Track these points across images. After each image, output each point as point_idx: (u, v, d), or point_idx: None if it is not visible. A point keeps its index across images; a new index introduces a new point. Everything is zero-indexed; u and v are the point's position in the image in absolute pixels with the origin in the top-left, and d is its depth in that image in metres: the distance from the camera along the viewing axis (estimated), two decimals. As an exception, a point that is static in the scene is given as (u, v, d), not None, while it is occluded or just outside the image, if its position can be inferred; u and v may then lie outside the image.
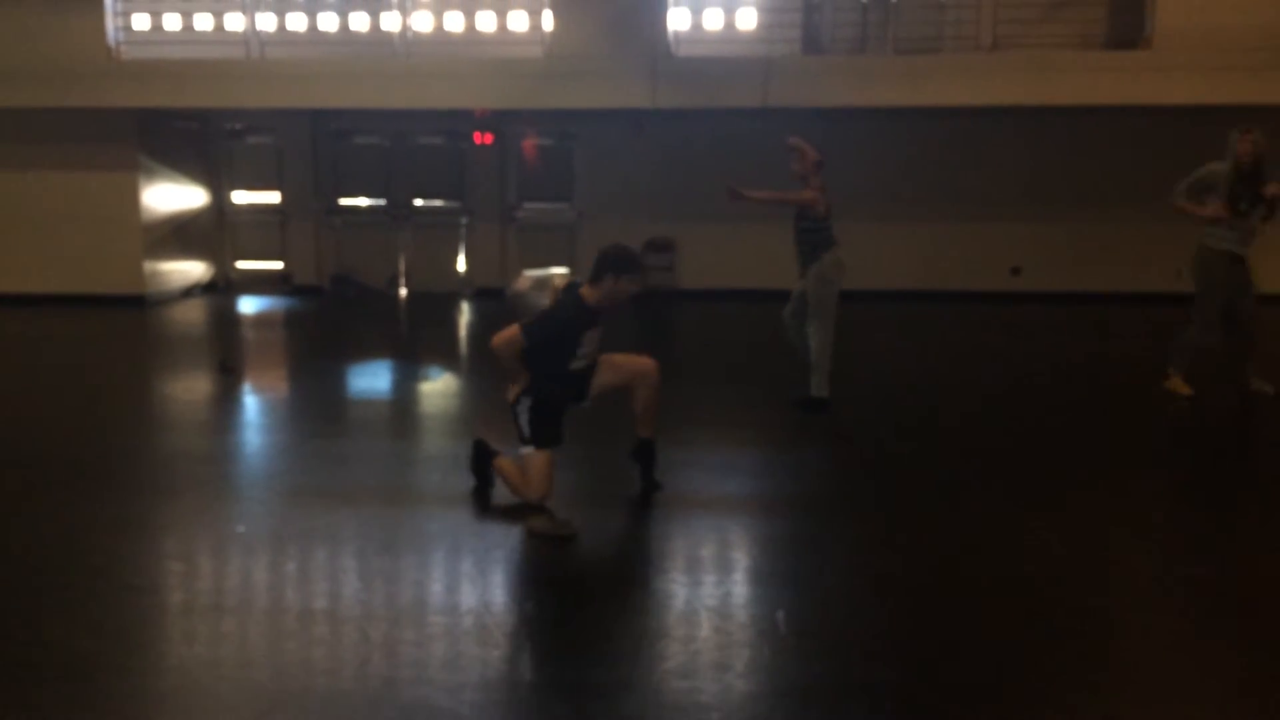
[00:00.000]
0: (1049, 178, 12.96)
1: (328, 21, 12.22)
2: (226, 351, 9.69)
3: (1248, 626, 3.93)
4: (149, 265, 12.77)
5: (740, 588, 4.33)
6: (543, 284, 14.23)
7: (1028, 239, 13.17)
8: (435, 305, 13.08)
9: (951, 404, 7.62)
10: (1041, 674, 3.51)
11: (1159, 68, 10.94)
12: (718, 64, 11.50)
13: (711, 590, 4.21)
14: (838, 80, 11.40)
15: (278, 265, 14.25)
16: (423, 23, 12.12)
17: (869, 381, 8.17)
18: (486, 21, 12.08)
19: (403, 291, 14.06)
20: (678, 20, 11.86)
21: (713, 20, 12.01)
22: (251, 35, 12.17)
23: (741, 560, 4.66)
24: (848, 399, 7.29)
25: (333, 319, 12.50)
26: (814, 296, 7.10)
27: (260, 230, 14.22)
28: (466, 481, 5.76)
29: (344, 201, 14.16)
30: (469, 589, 4.23)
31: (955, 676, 3.51)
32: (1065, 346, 10.22)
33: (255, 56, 12.14)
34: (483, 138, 13.72)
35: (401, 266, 14.10)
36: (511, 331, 4.88)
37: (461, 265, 14.05)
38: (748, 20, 11.98)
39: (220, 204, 14.21)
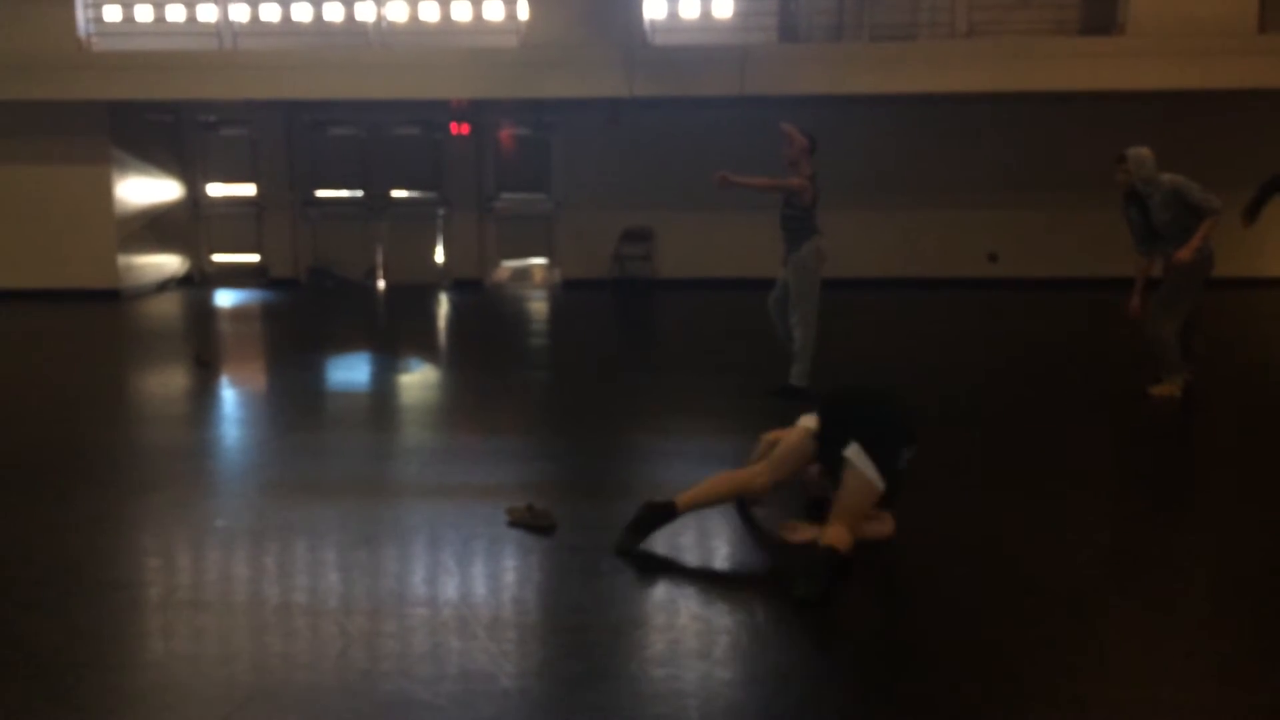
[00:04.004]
0: (1025, 164, 13.04)
1: (301, 12, 12.15)
2: (202, 345, 9.63)
3: (1224, 608, 3.97)
4: (123, 259, 12.68)
5: (719, 576, 4.35)
6: (521, 275, 14.21)
7: (1004, 225, 13.25)
8: (413, 297, 13.03)
9: (930, 391, 7.64)
10: (1019, 657, 3.54)
11: (1132, 54, 11.02)
12: (694, 52, 11.50)
13: (690, 578, 4.22)
14: (814, 68, 11.43)
15: (254, 258, 14.17)
16: (397, 13, 12.05)
17: (848, 369, 8.19)
18: (462, 11, 12.03)
19: (380, 283, 14.00)
20: (654, 9, 11.85)
21: (689, 9, 12.00)
22: (224, 26, 12.09)
23: (720, 548, 4.67)
24: (826, 386, 7.30)
25: (310, 311, 12.44)
26: (795, 285, 7.11)
27: (236, 223, 14.15)
28: (445, 473, 5.75)
29: (320, 193, 14.09)
30: (448, 581, 4.22)
31: (933, 661, 3.53)
32: (1043, 332, 10.28)
33: (228, 48, 12.06)
34: (459, 128, 13.68)
35: (379, 258, 14.05)
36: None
37: (439, 256, 14.01)
38: (724, 8, 11.98)
39: (195, 197, 14.12)
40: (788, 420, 6.76)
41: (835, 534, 4.13)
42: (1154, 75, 11.00)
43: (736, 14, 11.94)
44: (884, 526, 4.54)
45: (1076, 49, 11.26)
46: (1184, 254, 6.85)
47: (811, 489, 4.91)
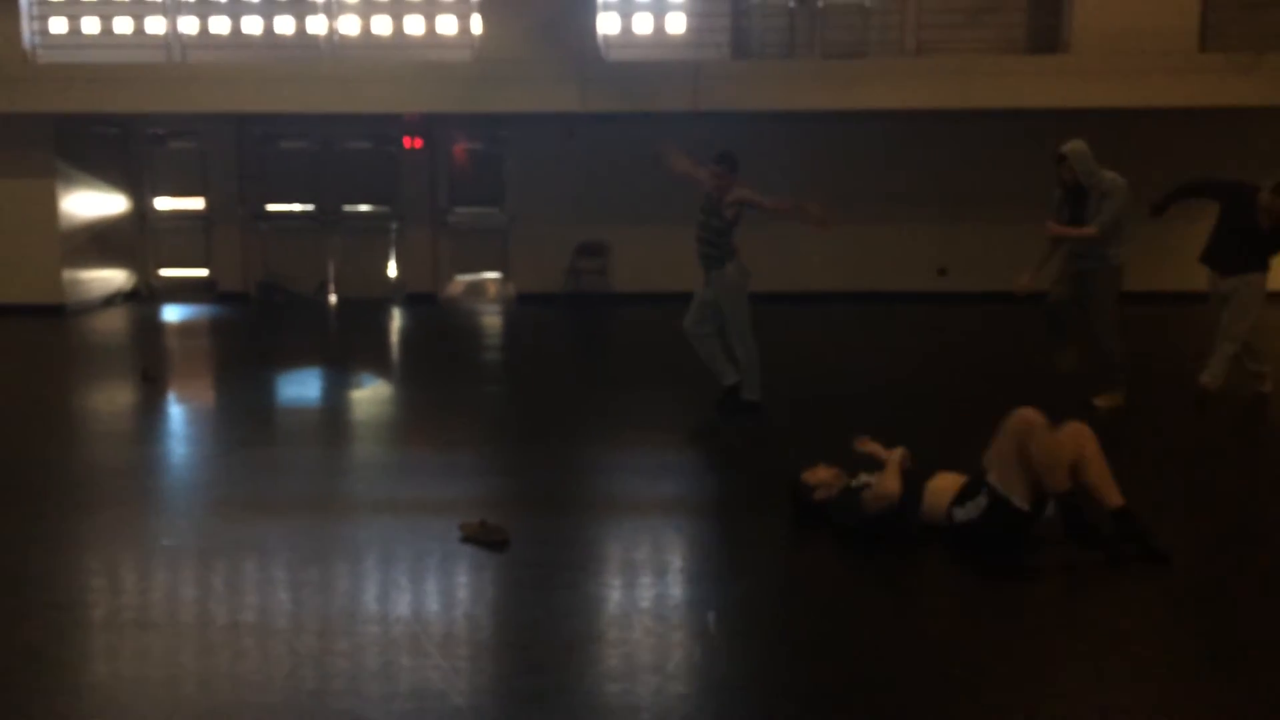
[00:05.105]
0: (974, 180, 13.20)
1: (252, 24, 12.04)
2: (149, 361, 9.47)
3: (1186, 613, 4.04)
4: (68, 274, 12.46)
5: (672, 589, 4.35)
6: (475, 289, 14.16)
7: (954, 240, 13.41)
8: (365, 312, 12.94)
9: (881, 404, 7.72)
10: (974, 673, 3.58)
11: (1076, 72, 11.23)
12: (647, 68, 11.54)
13: (644, 592, 4.22)
14: (766, 84, 11.52)
15: (202, 272, 13.99)
16: (350, 26, 11.99)
17: (799, 383, 8.25)
18: (415, 25, 11.99)
19: (332, 298, 13.88)
20: (607, 24, 11.89)
21: (642, 24, 12.06)
22: (173, 38, 11.94)
23: (673, 562, 4.68)
24: (778, 400, 7.35)
25: (260, 326, 12.30)
26: (728, 309, 7.08)
27: (184, 237, 13.95)
28: (396, 489, 5.71)
29: (271, 207, 13.94)
30: (400, 598, 4.19)
31: (886, 675, 3.56)
32: (990, 345, 10.42)
33: (177, 60, 11.92)
34: (412, 142, 13.61)
35: (330, 273, 13.93)
36: None
37: (392, 271, 13.92)
38: (677, 24, 12.05)
39: (142, 210, 13.91)
40: (739, 435, 6.81)
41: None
42: (1097, 93, 11.21)
43: (689, 30, 12.01)
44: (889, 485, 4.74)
45: (1022, 67, 11.45)
46: (1091, 230, 7.38)
47: (870, 505, 4.77)
